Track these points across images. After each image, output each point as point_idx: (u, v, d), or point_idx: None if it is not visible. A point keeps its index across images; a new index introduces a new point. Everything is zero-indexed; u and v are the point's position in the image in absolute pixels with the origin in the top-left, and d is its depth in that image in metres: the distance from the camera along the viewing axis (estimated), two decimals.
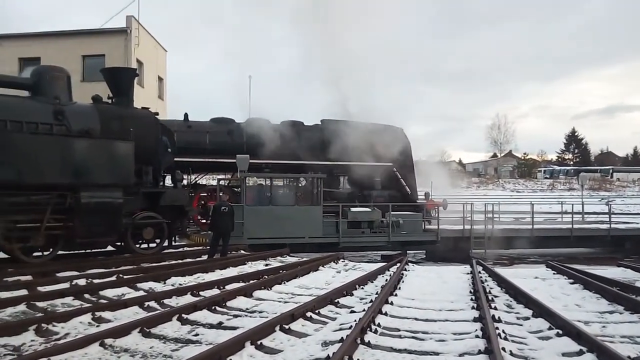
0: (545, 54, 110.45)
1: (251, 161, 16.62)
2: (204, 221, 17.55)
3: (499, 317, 6.23)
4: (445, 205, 19.64)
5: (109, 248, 12.87)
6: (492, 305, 7.11)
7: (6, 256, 10.98)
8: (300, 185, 17.57)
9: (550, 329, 5.95)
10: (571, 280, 9.73)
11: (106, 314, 6.40)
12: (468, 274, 10.88)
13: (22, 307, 6.85)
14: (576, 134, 79.25)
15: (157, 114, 14.00)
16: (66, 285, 8.46)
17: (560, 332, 5.70)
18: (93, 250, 12.44)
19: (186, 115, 18.01)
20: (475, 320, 6.34)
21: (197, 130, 17.59)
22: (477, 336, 5.51)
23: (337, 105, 20.03)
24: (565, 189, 51.68)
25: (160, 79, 30.54)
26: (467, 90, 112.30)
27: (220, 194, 14.51)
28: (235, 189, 18.29)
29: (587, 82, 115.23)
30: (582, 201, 26.19)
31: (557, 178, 61.13)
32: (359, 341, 5.14)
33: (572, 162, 76.28)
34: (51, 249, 11.19)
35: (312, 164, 18.29)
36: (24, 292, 7.86)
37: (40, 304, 7.03)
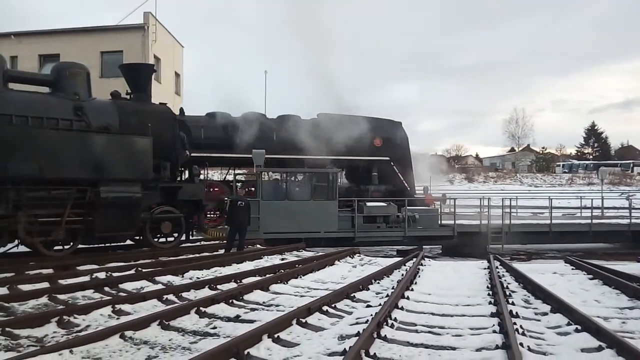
0: (562, 47, 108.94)
1: (245, 155, 16.68)
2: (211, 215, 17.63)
3: (516, 313, 6.19)
4: (444, 200, 19.45)
5: (128, 242, 13.05)
6: (510, 300, 7.06)
7: (28, 250, 11.22)
8: (314, 179, 17.50)
9: (569, 324, 5.89)
10: (590, 276, 9.61)
11: (126, 307, 6.50)
12: (485, 269, 10.82)
13: (44, 299, 6.99)
14: (596, 127, 78.00)
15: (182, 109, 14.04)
16: (86, 278, 8.62)
17: (579, 327, 5.63)
18: (112, 244, 12.63)
19: (182, 109, 17.90)
20: (492, 315, 6.30)
21: (192, 125, 16.99)
22: (494, 331, 5.48)
23: (346, 100, 19.96)
24: (584, 184, 51.02)
25: (177, 75, 30.76)
26: (483, 84, 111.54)
27: (237, 189, 14.60)
28: (230, 183, 18.29)
29: (605, 76, 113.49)
30: (601, 196, 25.82)
31: (576, 172, 60.30)
32: (375, 335, 5.15)
33: (591, 156, 75.13)
34: (71, 243, 11.39)
35: (308, 158, 18.12)
36: (45, 284, 8.03)
37: (61, 297, 7.17)
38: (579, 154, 78.21)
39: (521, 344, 4.78)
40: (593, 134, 77.92)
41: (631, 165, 60.62)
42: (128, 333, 5.22)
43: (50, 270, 9.40)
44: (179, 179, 14.04)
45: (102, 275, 8.92)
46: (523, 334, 5.29)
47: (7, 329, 5.25)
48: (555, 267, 11.26)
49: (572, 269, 10.90)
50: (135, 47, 25.27)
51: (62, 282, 8.31)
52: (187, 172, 14.82)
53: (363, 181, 19.56)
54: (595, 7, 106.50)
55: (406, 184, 19.35)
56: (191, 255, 12.04)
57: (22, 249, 11.30)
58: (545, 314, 6.57)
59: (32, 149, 10.25)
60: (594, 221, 20.17)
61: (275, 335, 5.18)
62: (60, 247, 11.39)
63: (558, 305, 6.63)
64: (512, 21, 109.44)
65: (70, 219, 10.93)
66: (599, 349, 4.92)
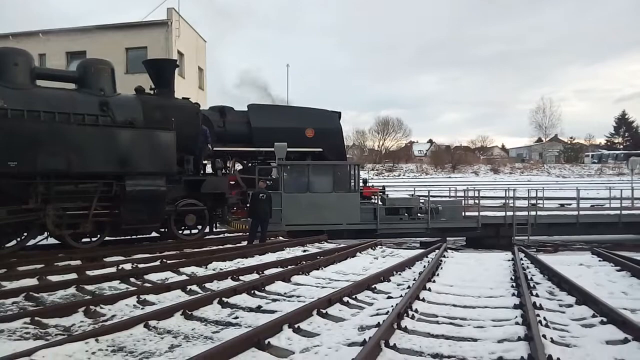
0: (588, 35, 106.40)
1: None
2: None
3: (540, 304, 6.10)
4: (384, 192, 19.08)
5: (153, 234, 13.29)
6: (534, 292, 6.96)
7: (57, 242, 11.52)
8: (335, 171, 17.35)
9: (594, 316, 5.78)
10: (618, 268, 9.38)
11: (150, 297, 6.63)
12: (509, 260, 10.68)
13: (72, 290, 7.20)
14: (626, 116, 75.84)
15: (197, 104, 14.25)
16: (113, 269, 8.82)
17: (605, 319, 5.52)
18: (138, 236, 12.88)
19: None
20: (515, 307, 6.22)
21: None
22: (517, 323, 5.41)
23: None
24: (614, 174, 49.85)
25: (200, 70, 31.03)
26: (506, 74, 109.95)
27: (259, 182, 14.69)
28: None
29: (633, 64, 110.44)
30: (631, 186, 25.13)
31: (606, 163, 58.92)
32: (395, 326, 5.13)
33: (622, 146, 73.13)
34: (98, 235, 11.65)
35: (238, 150, 17.90)
36: (73, 275, 8.26)
37: (88, 287, 7.36)
38: (608, 143, 76.23)
39: (544, 336, 4.70)
40: (624, 123, 75.79)
41: None
42: (152, 323, 5.32)
43: (78, 262, 9.65)
44: (202, 172, 14.21)
45: (128, 266, 9.11)
46: (546, 325, 5.22)
47: (37, 318, 5.41)
48: (581, 259, 11.03)
49: (599, 260, 10.67)
50: (159, 43, 25.58)
51: (90, 273, 8.51)
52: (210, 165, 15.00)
53: None
54: None
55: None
56: (215, 247, 12.20)
57: (52, 241, 11.61)
58: (570, 305, 6.46)
59: (60, 144, 10.50)
60: (624, 212, 19.68)
61: (296, 326, 5.22)
62: (88, 240, 11.66)
63: (583, 297, 6.51)
64: (535, 12, 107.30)
65: (97, 211, 11.18)
66: (625, 341, 4.82)
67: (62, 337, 4.90)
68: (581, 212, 19.43)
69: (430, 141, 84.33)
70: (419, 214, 17.85)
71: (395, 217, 17.56)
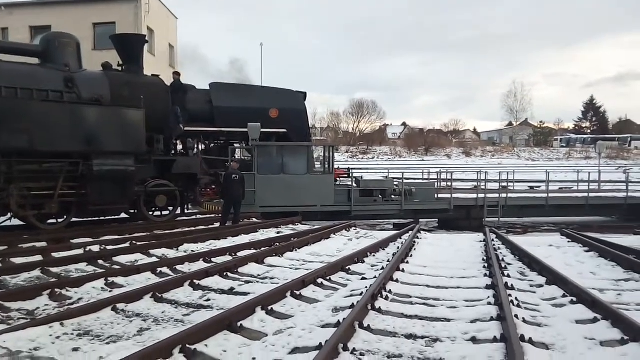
0: (556, 21, 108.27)
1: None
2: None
3: (512, 285, 6.16)
4: (350, 174, 19.29)
5: (123, 215, 12.97)
6: (505, 272, 7.03)
7: (22, 223, 11.13)
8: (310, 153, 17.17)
9: (564, 296, 5.87)
10: (586, 248, 9.59)
11: (119, 280, 6.46)
12: (481, 242, 10.80)
13: (36, 272, 6.94)
14: (594, 101, 77.62)
15: (178, 74, 13.75)
16: (80, 251, 8.57)
17: (575, 299, 5.60)
18: (107, 218, 12.55)
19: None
20: (487, 287, 6.27)
21: None
22: (489, 303, 5.44)
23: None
24: (582, 158, 51.09)
25: (171, 47, 30.26)
26: (480, 58, 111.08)
27: (232, 162, 14.44)
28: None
29: (599, 50, 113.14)
30: (598, 170, 25.76)
31: (574, 147, 60.36)
32: (369, 307, 5.11)
33: (589, 131, 74.95)
34: (65, 216, 11.30)
35: (199, 130, 17.30)
36: (38, 258, 7.98)
37: (54, 270, 7.12)
38: (577, 128, 78.04)
39: (516, 316, 4.73)
40: (591, 108, 77.60)
41: (629, 139, 60.64)
42: (120, 305, 5.17)
43: (43, 244, 9.33)
44: (173, 152, 13.89)
45: (95, 248, 8.88)
46: (518, 305, 5.26)
47: None
48: (551, 240, 11.24)
49: (568, 241, 10.89)
50: (128, 19, 24.80)
51: (55, 255, 8.24)
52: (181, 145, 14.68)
53: None
54: None
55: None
56: (186, 229, 11.97)
57: (16, 222, 11.21)
58: (540, 286, 6.55)
59: (22, 121, 10.08)
60: (591, 194, 20.17)
61: (269, 308, 5.14)
62: (54, 221, 11.31)
63: (553, 278, 6.60)
64: None
65: (63, 192, 10.82)
66: (594, 320, 4.89)
67: (25, 321, 4.71)
68: (550, 195, 19.83)
69: (404, 124, 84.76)
70: (392, 196, 17.91)
71: (370, 199, 17.59)
